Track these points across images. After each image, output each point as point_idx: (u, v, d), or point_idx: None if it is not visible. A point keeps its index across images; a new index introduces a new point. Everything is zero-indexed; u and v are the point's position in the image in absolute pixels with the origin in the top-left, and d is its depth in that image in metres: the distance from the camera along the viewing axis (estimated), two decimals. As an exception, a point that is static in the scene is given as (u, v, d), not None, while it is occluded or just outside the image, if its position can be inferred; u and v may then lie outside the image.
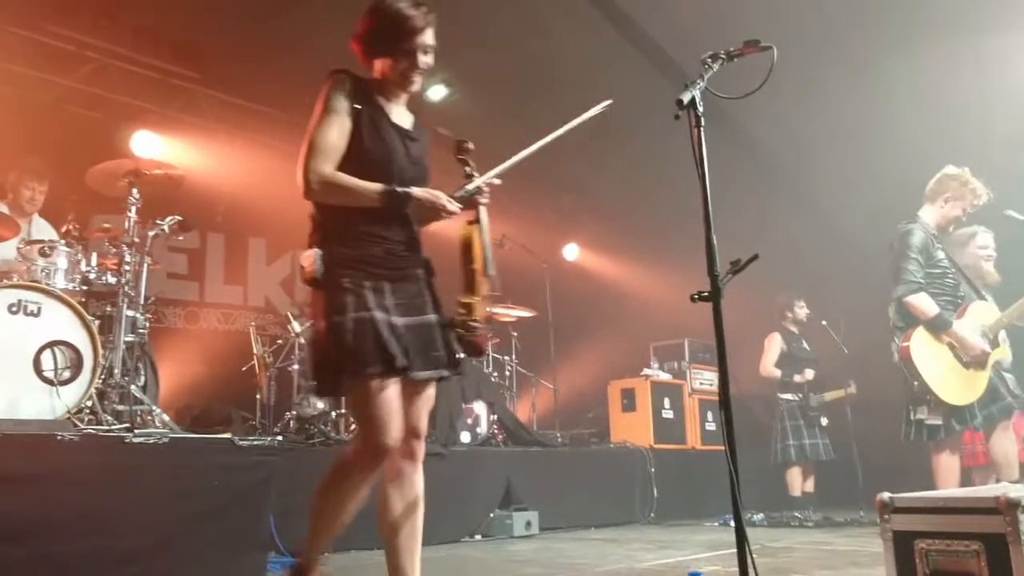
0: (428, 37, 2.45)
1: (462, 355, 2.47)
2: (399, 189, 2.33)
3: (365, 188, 2.31)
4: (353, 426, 5.88)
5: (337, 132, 2.34)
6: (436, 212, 2.40)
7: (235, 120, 7.56)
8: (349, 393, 2.34)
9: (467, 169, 2.57)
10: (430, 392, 2.48)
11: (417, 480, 2.44)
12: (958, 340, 4.33)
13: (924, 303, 4.36)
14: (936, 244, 4.50)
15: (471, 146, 2.59)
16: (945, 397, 4.28)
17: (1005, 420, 4.36)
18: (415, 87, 2.51)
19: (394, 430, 2.29)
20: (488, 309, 2.58)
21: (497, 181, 2.55)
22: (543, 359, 7.68)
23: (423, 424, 2.47)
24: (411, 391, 2.40)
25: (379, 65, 2.47)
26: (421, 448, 2.45)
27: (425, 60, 2.46)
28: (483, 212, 2.54)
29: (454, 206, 2.42)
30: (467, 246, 2.51)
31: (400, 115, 2.55)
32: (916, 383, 4.36)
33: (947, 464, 4.40)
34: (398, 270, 2.40)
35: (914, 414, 4.40)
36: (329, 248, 2.35)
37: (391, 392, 2.28)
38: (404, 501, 2.42)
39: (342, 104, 2.36)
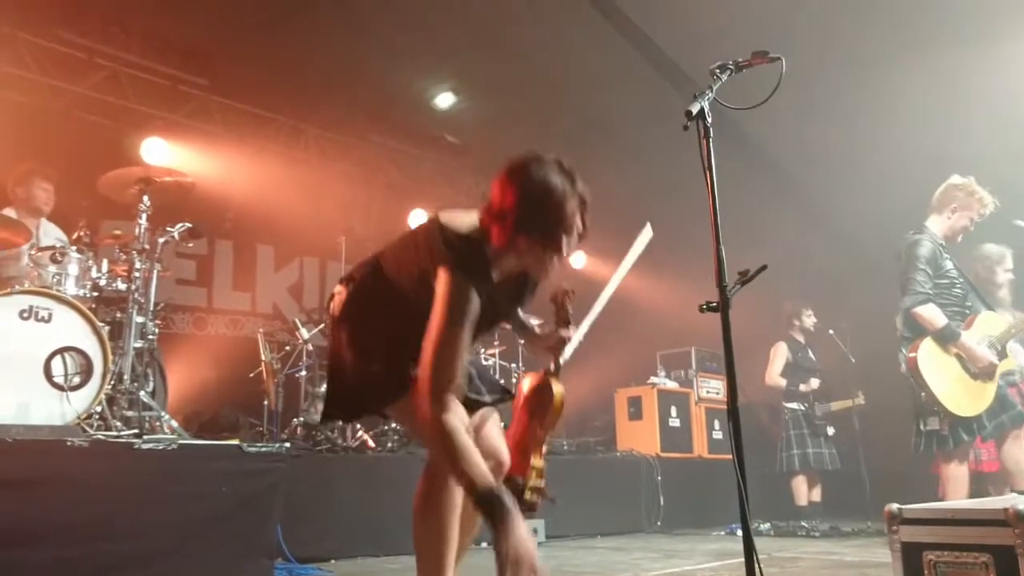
0: (580, 221, 2.15)
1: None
2: (499, 498, 1.93)
3: (474, 471, 1.94)
4: (360, 433, 5.90)
5: (465, 340, 2.02)
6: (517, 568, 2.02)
7: (244, 127, 7.61)
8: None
9: (565, 320, 2.54)
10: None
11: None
12: (966, 351, 4.32)
13: (932, 314, 4.35)
14: (944, 254, 4.49)
15: (573, 293, 2.53)
16: (952, 408, 4.27)
17: (1016, 429, 4.34)
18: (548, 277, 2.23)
19: None
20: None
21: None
22: (549, 367, 7.67)
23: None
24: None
25: (515, 245, 2.10)
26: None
27: (569, 248, 2.12)
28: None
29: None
30: (556, 408, 2.44)
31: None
32: (923, 394, 4.35)
33: (956, 474, 4.39)
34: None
35: (924, 425, 4.39)
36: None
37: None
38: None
39: (472, 305, 2.03)
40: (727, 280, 2.24)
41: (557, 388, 2.45)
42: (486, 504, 1.92)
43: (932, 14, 5.79)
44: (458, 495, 2.14)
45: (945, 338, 4.35)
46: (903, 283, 4.48)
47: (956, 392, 4.30)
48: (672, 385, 7.59)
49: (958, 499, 4.19)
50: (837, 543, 5.26)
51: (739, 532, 2.07)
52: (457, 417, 1.97)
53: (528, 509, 2.42)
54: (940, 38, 5.92)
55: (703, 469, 7.23)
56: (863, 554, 4.59)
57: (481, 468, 1.94)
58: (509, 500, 1.93)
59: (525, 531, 1.94)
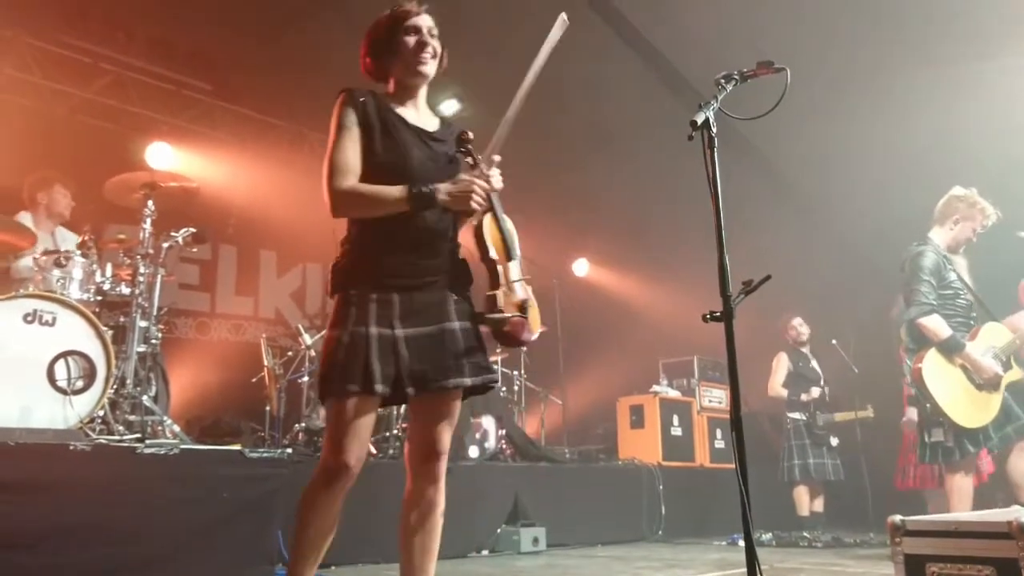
0: (424, 20, 2.45)
1: (492, 361, 2.45)
2: (424, 188, 2.21)
3: (387, 192, 2.22)
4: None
5: (352, 148, 2.29)
6: (467, 200, 2.24)
7: (248, 132, 7.63)
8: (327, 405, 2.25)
9: (469, 160, 2.45)
10: (452, 406, 2.36)
11: (437, 500, 2.38)
12: (971, 363, 4.31)
13: (937, 325, 4.34)
14: (948, 265, 4.49)
15: (471, 135, 2.52)
16: (958, 419, 4.26)
17: (1021, 440, 4.34)
18: (428, 70, 2.45)
19: (351, 454, 2.20)
20: (524, 294, 2.47)
21: (497, 158, 2.45)
22: (552, 374, 7.68)
23: (444, 442, 2.36)
24: (428, 407, 2.33)
25: (391, 73, 2.46)
26: (442, 468, 2.37)
27: (428, 40, 2.43)
28: (495, 199, 2.44)
29: (495, 180, 2.32)
30: (480, 237, 2.44)
31: (422, 118, 2.49)
32: (929, 405, 4.35)
33: (961, 486, 4.38)
34: (414, 278, 2.30)
35: (928, 436, 4.39)
36: (343, 261, 2.34)
37: (359, 414, 2.20)
38: (419, 521, 2.37)
39: (351, 118, 2.32)
40: (731, 290, 2.24)
41: (476, 218, 2.44)
42: (409, 197, 2.20)
43: (935, 25, 5.81)
44: (328, 506, 2.25)
45: (950, 349, 4.34)
46: (907, 294, 4.49)
47: (961, 403, 4.30)
48: (674, 394, 7.58)
49: (963, 511, 4.18)
50: (839, 554, 5.24)
51: (741, 542, 2.06)
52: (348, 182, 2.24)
53: (502, 339, 2.40)
54: (942, 48, 5.93)
55: (705, 478, 7.21)
56: (865, 566, 4.57)
57: (390, 189, 2.21)
58: (426, 186, 2.21)
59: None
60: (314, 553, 2.28)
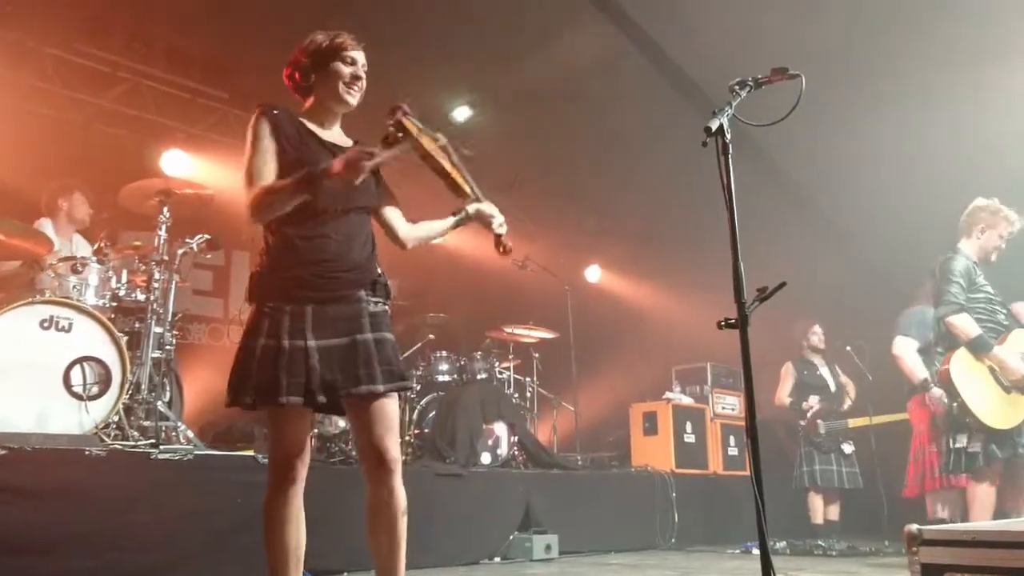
0: (360, 55, 2.57)
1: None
2: (317, 169, 2.26)
3: (284, 183, 2.30)
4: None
5: (265, 159, 2.38)
6: (356, 169, 2.24)
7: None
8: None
9: (391, 130, 2.51)
10: (380, 412, 2.39)
11: (391, 502, 2.40)
12: (999, 363, 4.30)
13: (966, 323, 4.35)
14: (977, 271, 4.52)
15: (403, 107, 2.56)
16: (985, 419, 4.25)
17: None
18: (353, 102, 2.57)
19: (282, 456, 2.36)
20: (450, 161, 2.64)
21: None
22: (564, 381, 7.66)
23: (387, 443, 2.40)
24: (358, 415, 2.39)
25: (316, 93, 2.57)
26: (389, 470, 2.40)
27: (360, 74, 2.56)
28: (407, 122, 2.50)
29: (381, 155, 2.33)
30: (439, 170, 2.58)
31: (334, 137, 2.60)
32: (955, 404, 4.35)
33: (984, 496, 4.35)
34: (328, 291, 2.38)
35: (953, 442, 4.38)
36: (260, 272, 2.44)
37: (285, 421, 2.34)
38: (379, 525, 2.43)
39: (266, 130, 2.41)
40: (745, 297, 2.23)
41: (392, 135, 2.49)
42: (304, 179, 2.26)
43: (951, 28, 5.77)
44: (283, 512, 2.40)
45: (978, 348, 4.34)
46: (937, 296, 4.53)
47: (989, 404, 4.29)
48: (687, 401, 7.55)
49: (983, 520, 4.15)
50: (854, 563, 5.20)
51: (755, 550, 2.05)
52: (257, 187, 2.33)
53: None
54: (959, 51, 5.89)
55: (718, 486, 7.17)
56: (881, 575, 4.53)
57: (287, 180, 2.29)
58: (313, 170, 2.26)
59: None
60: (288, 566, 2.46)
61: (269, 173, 2.37)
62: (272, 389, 2.27)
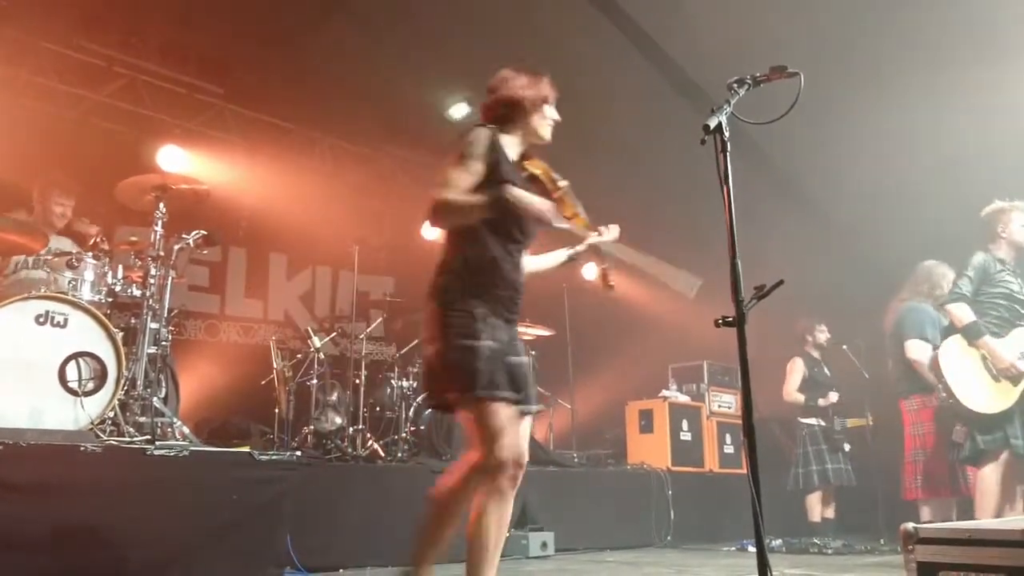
0: (553, 99, 2.84)
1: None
2: (516, 198, 2.48)
3: (482, 201, 2.49)
4: (370, 443, 5.90)
5: (468, 174, 2.55)
6: (547, 225, 2.58)
7: (259, 136, 7.66)
8: (473, 411, 2.49)
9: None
10: (527, 425, 2.67)
11: (511, 501, 2.59)
12: (989, 351, 4.39)
13: (961, 311, 4.46)
14: (999, 267, 4.58)
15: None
16: (968, 403, 4.36)
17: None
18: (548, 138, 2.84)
19: (515, 450, 2.51)
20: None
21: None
22: (561, 378, 7.66)
23: (527, 453, 2.64)
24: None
25: (519, 126, 2.78)
26: (522, 474, 2.60)
27: (554, 115, 2.83)
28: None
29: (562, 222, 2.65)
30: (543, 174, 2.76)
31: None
32: (941, 386, 4.48)
33: (985, 483, 4.40)
34: (511, 314, 2.63)
35: (953, 435, 4.48)
36: (463, 280, 2.57)
37: (512, 422, 2.50)
38: (501, 517, 2.57)
39: (482, 149, 2.60)
40: (743, 295, 2.23)
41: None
42: (494, 202, 2.48)
43: (954, 27, 5.78)
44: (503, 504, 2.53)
45: (970, 334, 4.43)
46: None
47: (975, 389, 4.38)
48: (684, 398, 7.55)
49: (987, 515, 4.20)
50: (850, 561, 5.20)
51: (751, 548, 2.05)
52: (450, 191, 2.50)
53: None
54: (962, 51, 5.89)
55: (714, 484, 7.18)
56: (877, 573, 4.54)
57: (473, 198, 2.50)
58: (507, 190, 2.49)
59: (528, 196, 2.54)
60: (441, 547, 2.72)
61: (467, 187, 2.53)
62: (515, 388, 2.49)
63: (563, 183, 2.77)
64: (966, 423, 4.47)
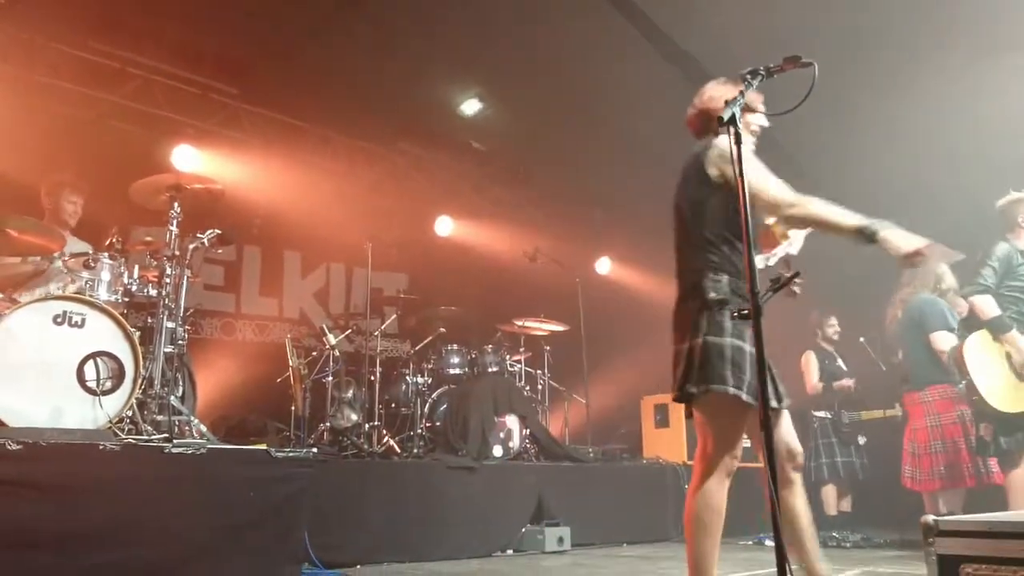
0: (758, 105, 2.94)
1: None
2: (867, 225, 2.71)
3: (841, 220, 2.72)
4: (386, 439, 5.92)
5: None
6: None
7: (273, 135, 7.68)
8: (717, 407, 2.70)
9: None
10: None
11: (801, 486, 2.86)
12: (1013, 345, 4.31)
13: (986, 304, 4.39)
14: (1021, 260, 4.53)
15: None
16: (990, 400, 4.29)
17: None
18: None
19: (735, 454, 2.75)
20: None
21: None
22: (575, 373, 7.65)
23: (797, 442, 2.88)
24: (778, 419, 2.82)
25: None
26: (802, 460, 2.87)
27: (761, 122, 2.98)
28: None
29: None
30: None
31: None
32: (963, 383, 4.44)
33: (1014, 484, 4.35)
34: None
35: (979, 429, 4.43)
36: (729, 280, 2.75)
37: (752, 424, 2.58)
38: (800, 501, 2.85)
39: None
40: (759, 287, 2.21)
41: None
42: (861, 234, 2.69)
43: (969, 16, 5.71)
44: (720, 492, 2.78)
45: (995, 328, 4.37)
46: (972, 277, 4.59)
47: (996, 386, 4.30)
48: (699, 392, 7.51)
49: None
50: (869, 554, 5.18)
51: (767, 542, 2.05)
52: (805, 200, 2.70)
53: None
54: (977, 39, 5.82)
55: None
56: (897, 566, 4.51)
57: (840, 216, 2.70)
58: (877, 224, 2.68)
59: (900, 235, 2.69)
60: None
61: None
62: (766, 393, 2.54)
63: None
64: (990, 421, 4.39)
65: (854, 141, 7.00)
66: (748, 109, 2.82)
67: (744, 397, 2.59)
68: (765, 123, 2.92)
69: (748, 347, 2.61)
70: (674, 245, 3.08)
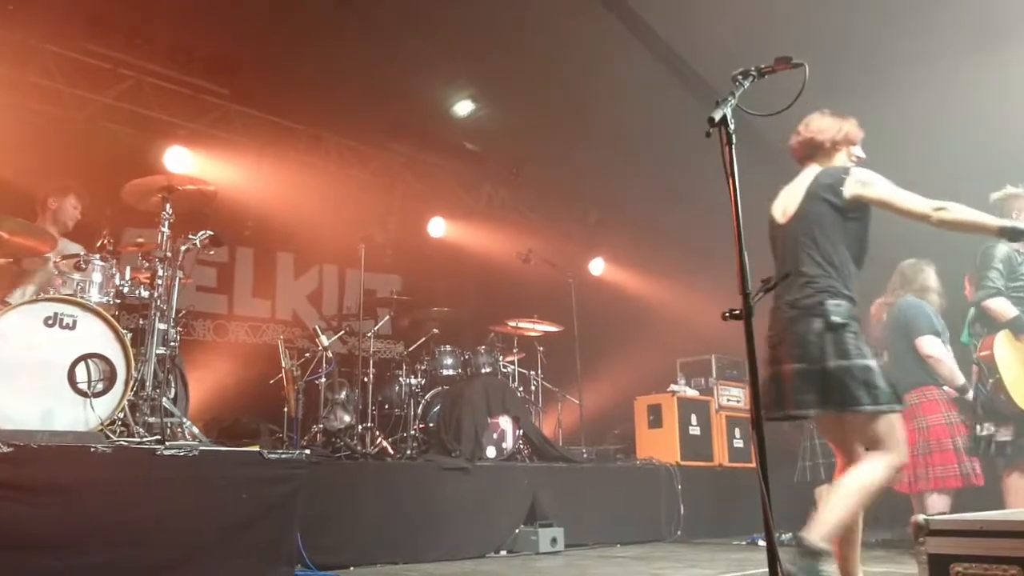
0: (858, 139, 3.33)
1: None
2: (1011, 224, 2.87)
3: (986, 222, 2.90)
4: (379, 440, 5.91)
5: None
6: None
7: (265, 136, 7.66)
8: (882, 421, 2.92)
9: None
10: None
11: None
12: None
13: (1002, 306, 4.44)
14: (1019, 259, 4.57)
15: None
16: (1018, 400, 4.31)
17: None
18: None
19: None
20: None
21: None
22: (569, 374, 7.65)
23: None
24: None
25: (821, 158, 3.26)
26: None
27: (859, 153, 3.31)
28: None
29: None
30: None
31: None
32: (991, 381, 4.42)
33: (1017, 486, 4.35)
34: None
35: (980, 429, 4.42)
36: (847, 295, 3.04)
37: None
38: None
39: None
40: (750, 287, 2.22)
41: None
42: (1007, 233, 2.85)
43: (964, 15, 5.73)
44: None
45: (1016, 328, 4.42)
46: (978, 281, 4.63)
47: (1020, 385, 4.31)
48: (692, 393, 7.54)
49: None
50: (861, 553, 5.18)
51: (761, 542, 2.05)
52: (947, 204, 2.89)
53: None
54: (975, 37, 5.84)
55: (723, 478, 7.17)
56: (888, 566, 4.53)
57: (981, 216, 2.89)
58: (1012, 222, 2.87)
59: None
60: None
61: None
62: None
63: None
64: (1011, 420, 4.37)
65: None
66: (849, 142, 3.20)
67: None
68: (862, 154, 3.24)
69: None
70: (777, 256, 3.25)
